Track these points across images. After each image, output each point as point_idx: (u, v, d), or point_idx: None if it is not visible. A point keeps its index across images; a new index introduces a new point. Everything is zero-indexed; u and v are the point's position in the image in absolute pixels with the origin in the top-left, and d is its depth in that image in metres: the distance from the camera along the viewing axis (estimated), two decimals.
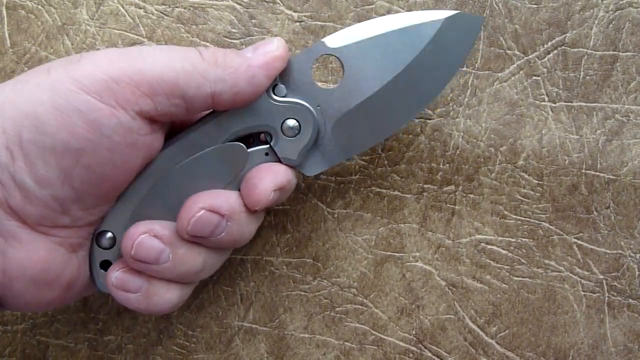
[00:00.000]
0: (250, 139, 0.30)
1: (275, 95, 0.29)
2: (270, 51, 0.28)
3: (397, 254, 0.35)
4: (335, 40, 0.30)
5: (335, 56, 0.30)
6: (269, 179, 0.29)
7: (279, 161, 0.30)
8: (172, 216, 0.29)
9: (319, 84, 0.29)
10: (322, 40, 0.30)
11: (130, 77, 0.25)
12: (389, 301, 0.35)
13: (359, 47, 0.29)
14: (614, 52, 0.35)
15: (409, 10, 0.35)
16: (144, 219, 0.29)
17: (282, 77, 0.29)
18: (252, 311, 0.36)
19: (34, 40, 0.35)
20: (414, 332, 0.35)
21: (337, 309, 0.35)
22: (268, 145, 0.30)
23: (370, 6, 0.35)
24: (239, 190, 0.29)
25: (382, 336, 0.35)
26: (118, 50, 0.26)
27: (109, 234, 0.29)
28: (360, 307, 0.35)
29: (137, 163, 0.27)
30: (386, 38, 0.30)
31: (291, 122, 0.29)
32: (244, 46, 0.35)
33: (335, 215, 0.35)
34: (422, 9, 0.35)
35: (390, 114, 0.30)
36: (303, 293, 0.35)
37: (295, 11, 0.35)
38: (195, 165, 0.29)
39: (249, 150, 0.29)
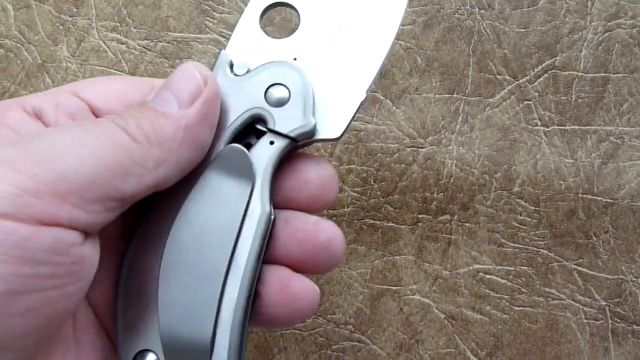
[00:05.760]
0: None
1: (238, 75, 0.23)
2: (197, 93, 0.21)
3: (393, 287, 0.34)
4: None
5: (289, 5, 0.25)
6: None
7: (293, 140, 0.23)
8: (199, 280, 0.22)
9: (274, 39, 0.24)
10: None
11: (52, 187, 0.18)
12: (387, 337, 0.34)
13: None
14: (605, 74, 0.35)
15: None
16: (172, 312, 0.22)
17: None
18: (246, 352, 0.34)
19: (13, 79, 0.34)
20: None
21: (334, 346, 0.34)
22: (266, 131, 0.23)
23: None
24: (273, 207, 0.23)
25: None
26: (15, 146, 0.18)
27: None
28: (358, 344, 0.34)
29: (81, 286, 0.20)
30: None
31: (275, 90, 0.23)
32: None
33: None
34: (410, 37, 0.35)
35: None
36: (298, 331, 0.34)
37: None
38: (200, 213, 0.22)
39: (251, 151, 0.23)
